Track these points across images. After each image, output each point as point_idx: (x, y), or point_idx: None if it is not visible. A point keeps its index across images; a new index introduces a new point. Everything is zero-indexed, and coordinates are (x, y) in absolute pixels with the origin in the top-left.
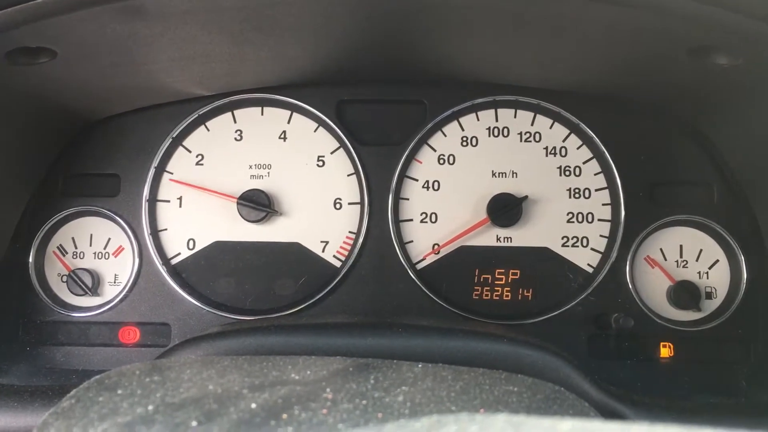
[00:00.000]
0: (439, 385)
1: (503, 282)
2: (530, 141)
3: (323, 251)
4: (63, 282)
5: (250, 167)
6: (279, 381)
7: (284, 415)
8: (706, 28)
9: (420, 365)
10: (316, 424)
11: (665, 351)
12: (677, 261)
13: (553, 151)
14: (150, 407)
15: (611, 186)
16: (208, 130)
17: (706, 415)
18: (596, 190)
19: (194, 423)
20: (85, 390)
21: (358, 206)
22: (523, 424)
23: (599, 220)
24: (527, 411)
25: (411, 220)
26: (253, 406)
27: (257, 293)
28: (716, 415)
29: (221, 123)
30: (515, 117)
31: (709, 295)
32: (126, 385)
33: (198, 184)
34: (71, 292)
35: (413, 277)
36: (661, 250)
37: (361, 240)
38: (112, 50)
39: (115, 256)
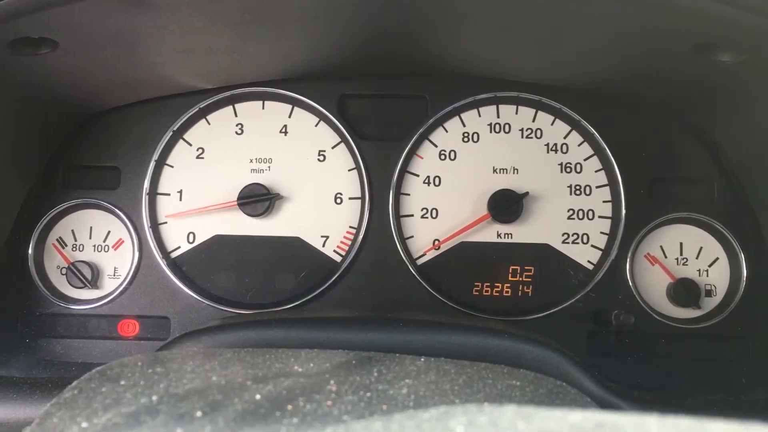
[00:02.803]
0: (443, 379)
1: (503, 278)
2: (531, 137)
3: (323, 246)
4: (62, 274)
5: (251, 161)
6: (282, 373)
7: (289, 406)
8: (712, 23)
9: (423, 359)
10: (321, 416)
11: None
12: (677, 258)
13: (554, 148)
14: (154, 397)
15: (612, 183)
16: (209, 123)
17: (705, 412)
18: (597, 187)
19: (199, 413)
20: (87, 381)
21: (359, 201)
22: (533, 415)
23: (600, 217)
24: (531, 405)
25: (411, 215)
26: (258, 397)
27: (257, 287)
28: (715, 412)
29: (222, 116)
30: (517, 113)
31: (708, 293)
32: (129, 375)
33: (198, 177)
34: (71, 285)
35: (413, 272)
36: (661, 247)
37: (361, 235)
38: (113, 42)
39: (115, 249)
